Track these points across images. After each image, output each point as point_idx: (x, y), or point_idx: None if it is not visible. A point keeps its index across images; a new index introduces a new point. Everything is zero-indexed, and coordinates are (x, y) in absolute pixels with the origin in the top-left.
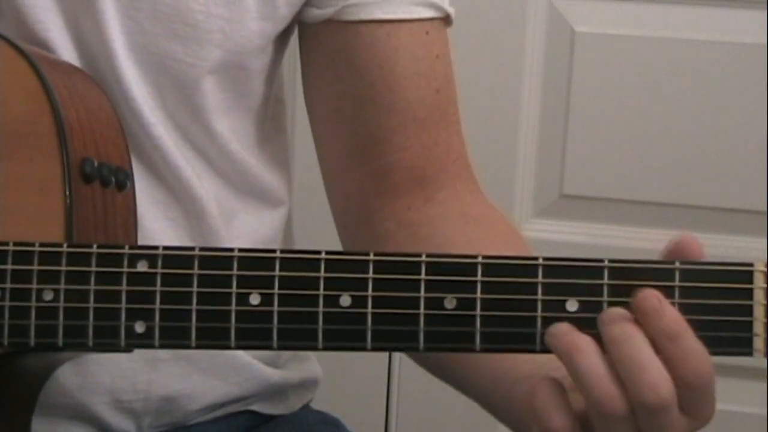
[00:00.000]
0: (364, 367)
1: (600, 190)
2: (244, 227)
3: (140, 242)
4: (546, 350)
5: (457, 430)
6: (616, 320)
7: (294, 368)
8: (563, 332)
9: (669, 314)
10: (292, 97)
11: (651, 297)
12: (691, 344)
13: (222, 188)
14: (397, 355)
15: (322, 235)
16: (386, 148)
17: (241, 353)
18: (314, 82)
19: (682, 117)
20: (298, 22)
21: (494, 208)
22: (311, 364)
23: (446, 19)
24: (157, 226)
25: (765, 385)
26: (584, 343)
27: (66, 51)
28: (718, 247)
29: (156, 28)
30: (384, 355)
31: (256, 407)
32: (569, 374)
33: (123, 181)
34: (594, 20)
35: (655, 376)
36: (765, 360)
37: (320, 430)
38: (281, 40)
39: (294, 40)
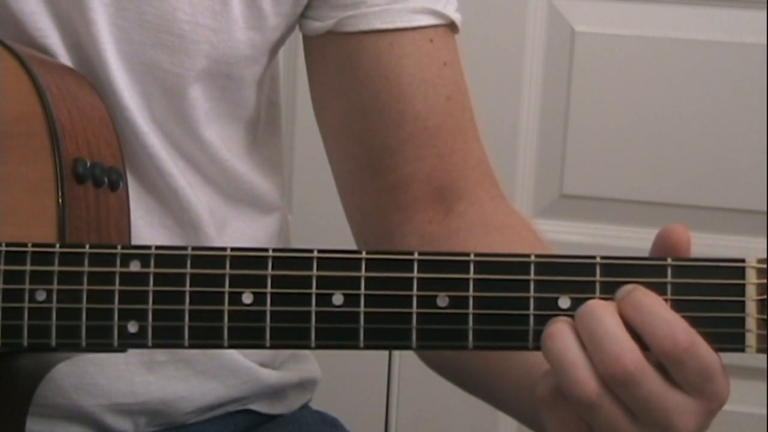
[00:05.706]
0: (364, 367)
1: (600, 190)
2: (237, 234)
3: None
4: (538, 347)
5: (457, 430)
6: (588, 303)
7: (292, 368)
8: (550, 323)
9: (639, 288)
10: (291, 98)
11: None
12: (657, 310)
13: (213, 197)
14: (397, 355)
15: (321, 236)
16: (399, 160)
17: (238, 355)
18: (322, 98)
19: (682, 117)
20: (303, 36)
21: (517, 214)
22: (310, 364)
23: (451, 26)
24: (152, 234)
25: (765, 385)
26: (558, 329)
27: (64, 58)
28: (718, 247)
29: (143, 37)
30: (384, 355)
31: (254, 406)
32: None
33: (116, 181)
34: (594, 20)
35: (614, 344)
36: (765, 360)
37: (319, 430)
38: (273, 49)
39: (287, 45)
